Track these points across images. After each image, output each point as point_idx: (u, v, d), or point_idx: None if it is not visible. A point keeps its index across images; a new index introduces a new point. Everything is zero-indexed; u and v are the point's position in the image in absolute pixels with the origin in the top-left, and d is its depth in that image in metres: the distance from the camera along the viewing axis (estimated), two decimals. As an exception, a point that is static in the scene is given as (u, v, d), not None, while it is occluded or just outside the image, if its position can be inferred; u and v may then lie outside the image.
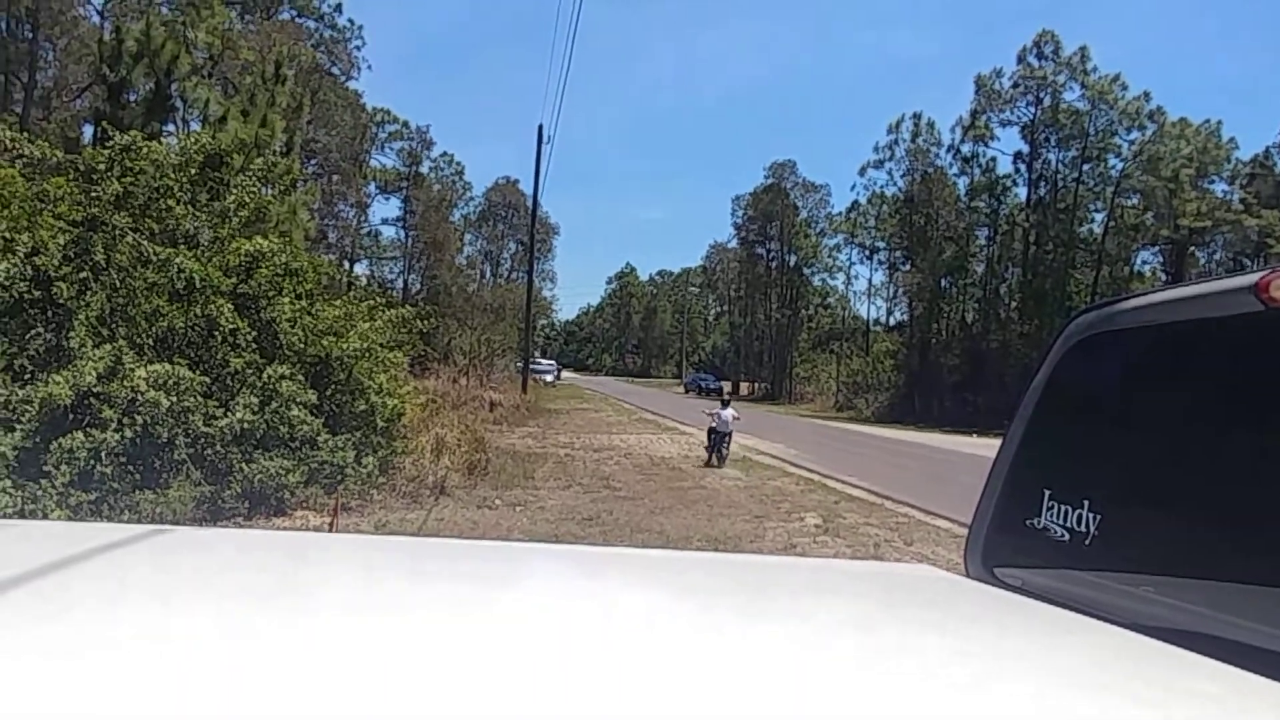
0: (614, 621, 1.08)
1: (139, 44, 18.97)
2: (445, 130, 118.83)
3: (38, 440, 8.07)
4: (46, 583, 1.01)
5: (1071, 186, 48.40)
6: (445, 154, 67.24)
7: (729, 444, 17.62)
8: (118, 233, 9.16)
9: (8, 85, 33.06)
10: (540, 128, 35.91)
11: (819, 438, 28.29)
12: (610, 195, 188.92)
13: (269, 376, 10.07)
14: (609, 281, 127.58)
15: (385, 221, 62.04)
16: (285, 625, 0.93)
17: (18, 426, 7.95)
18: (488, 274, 71.42)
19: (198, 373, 9.35)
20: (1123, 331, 1.89)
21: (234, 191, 11.15)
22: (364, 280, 48.42)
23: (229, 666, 0.77)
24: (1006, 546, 2.01)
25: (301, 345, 10.89)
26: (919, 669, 0.97)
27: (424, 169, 63.62)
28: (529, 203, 48.46)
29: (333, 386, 11.40)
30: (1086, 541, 1.77)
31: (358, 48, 47.79)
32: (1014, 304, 50.66)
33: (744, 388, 74.22)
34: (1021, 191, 51.14)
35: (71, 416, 8.41)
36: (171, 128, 20.48)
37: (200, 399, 9.25)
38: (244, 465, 9.62)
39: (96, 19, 32.24)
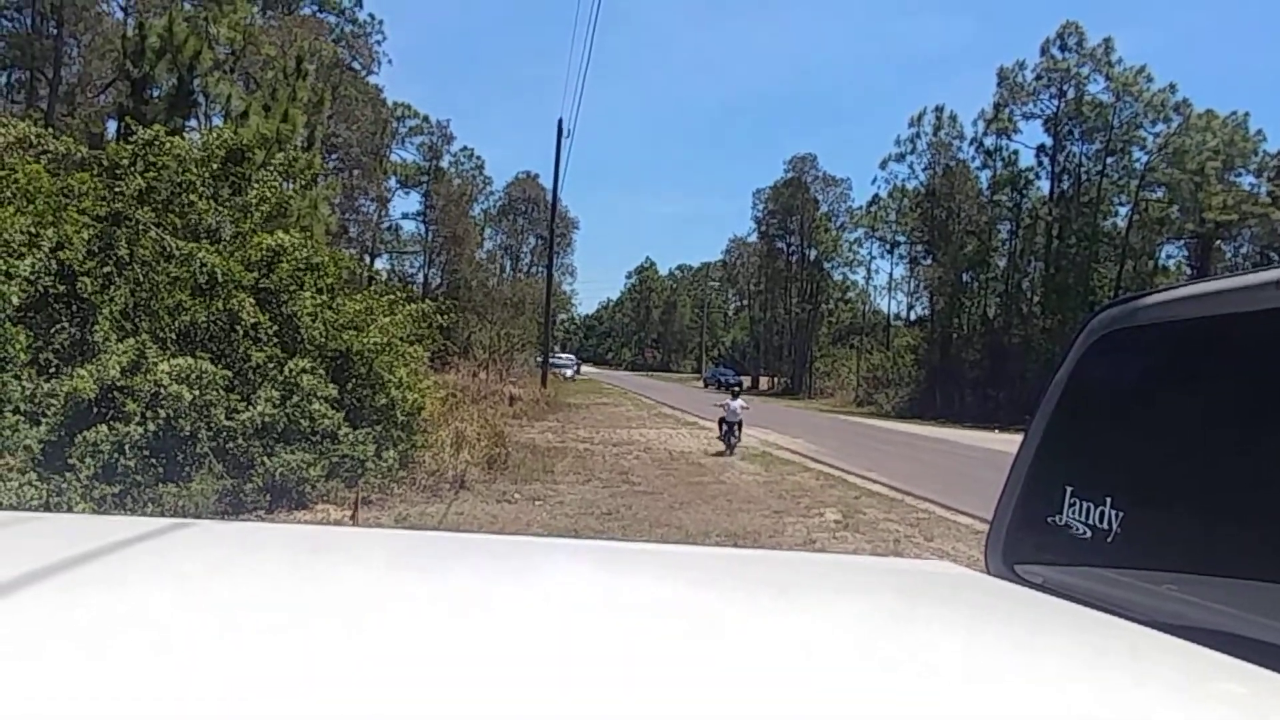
0: (631, 618, 1.07)
1: (162, 40, 19.16)
2: (466, 125, 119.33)
3: (63, 433, 8.15)
4: (70, 576, 1.01)
5: (1095, 180, 47.93)
6: (465, 148, 67.65)
7: (739, 432, 18.75)
8: (141, 227, 9.24)
9: (33, 81, 33.44)
10: (560, 121, 36.04)
11: (839, 432, 28.21)
12: (630, 189, 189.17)
13: (290, 370, 10.14)
14: (628, 276, 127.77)
15: (406, 216, 62.43)
16: (304, 618, 0.94)
17: (43, 420, 8.03)
18: (507, 268, 71.68)
19: (220, 366, 9.42)
20: (1147, 327, 1.87)
21: (255, 186, 11.22)
22: (384, 275, 48.60)
23: (247, 660, 0.77)
24: (1028, 543, 2.00)
25: (322, 339, 10.95)
26: (941, 665, 0.96)
27: (444, 164, 63.92)
28: (549, 197, 48.60)
29: (353, 380, 11.46)
30: (1109, 539, 1.76)
31: (378, 42, 48.16)
32: (1036, 299, 50.28)
33: (764, 382, 74.13)
34: (1044, 185, 50.75)
35: (96, 410, 8.48)
36: (194, 123, 20.71)
37: (222, 393, 9.31)
38: (265, 459, 9.68)
39: (120, 15, 32.53)
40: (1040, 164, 50.32)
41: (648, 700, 0.74)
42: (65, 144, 9.49)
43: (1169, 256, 51.27)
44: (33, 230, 8.29)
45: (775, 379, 73.95)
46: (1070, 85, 47.48)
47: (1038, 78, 48.64)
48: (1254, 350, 1.66)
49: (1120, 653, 1.14)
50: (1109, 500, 1.77)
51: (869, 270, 71.42)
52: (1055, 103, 48.36)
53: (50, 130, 9.68)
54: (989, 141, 51.93)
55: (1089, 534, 1.81)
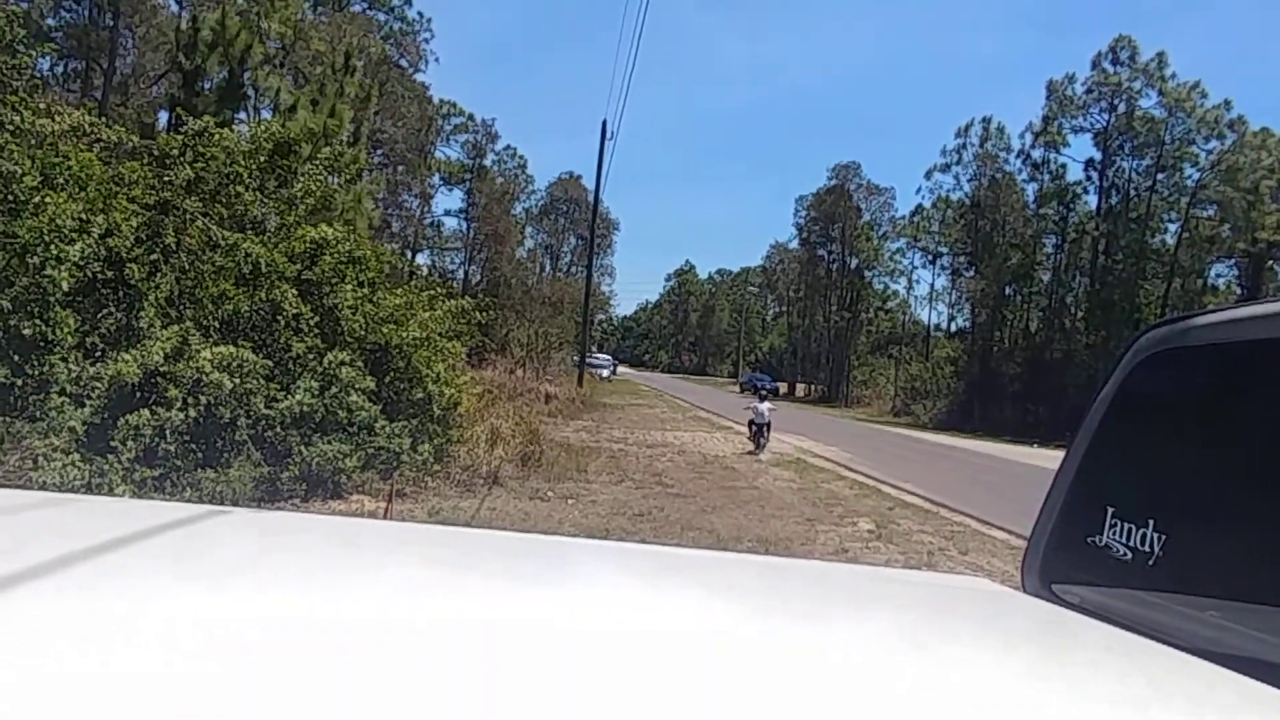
0: (661, 623, 1.07)
1: (214, 33, 19.47)
2: (510, 124, 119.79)
3: (106, 416, 8.29)
4: (108, 559, 1.03)
5: (1145, 196, 47.26)
6: (509, 147, 67.99)
7: (768, 433, 20.20)
8: (188, 217, 9.37)
9: (89, 71, 34.16)
10: (604, 123, 36.15)
11: (875, 442, 28.02)
12: (671, 192, 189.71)
13: (329, 362, 10.24)
14: (668, 278, 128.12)
15: (448, 213, 62.97)
16: (334, 609, 0.94)
17: (87, 402, 8.17)
18: (547, 267, 72.00)
19: (260, 356, 9.53)
20: (1199, 348, 1.83)
21: (301, 179, 11.36)
22: (425, 270, 48.98)
23: (275, 648, 0.78)
24: (1066, 563, 1.96)
25: (362, 332, 11.06)
26: (973, 684, 0.95)
27: (488, 162, 64.40)
28: (590, 198, 48.76)
29: (391, 374, 11.56)
30: (1150, 562, 1.72)
31: (426, 40, 48.57)
32: (1080, 314, 49.66)
33: (800, 389, 73.89)
34: (1092, 199, 50.24)
35: (139, 394, 8.63)
36: (243, 115, 20.98)
37: (262, 381, 9.42)
38: (303, 448, 9.80)
39: (174, 8, 33.19)
40: (1089, 178, 49.86)
41: (675, 710, 0.73)
42: (117, 133, 9.62)
43: (1218, 275, 50.31)
44: (83, 217, 8.43)
45: (812, 386, 73.67)
46: (1121, 100, 46.88)
47: (1088, 91, 48.12)
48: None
49: (1158, 678, 1.11)
50: (1152, 523, 1.73)
51: (910, 280, 71.06)
52: (1105, 117, 47.78)
53: (103, 119, 9.80)
54: (1036, 154, 51.54)
55: (1130, 556, 1.77)
